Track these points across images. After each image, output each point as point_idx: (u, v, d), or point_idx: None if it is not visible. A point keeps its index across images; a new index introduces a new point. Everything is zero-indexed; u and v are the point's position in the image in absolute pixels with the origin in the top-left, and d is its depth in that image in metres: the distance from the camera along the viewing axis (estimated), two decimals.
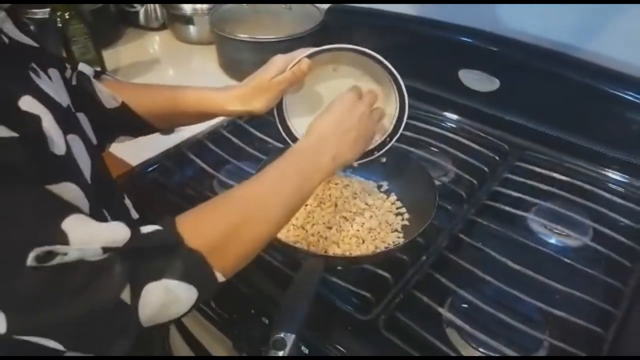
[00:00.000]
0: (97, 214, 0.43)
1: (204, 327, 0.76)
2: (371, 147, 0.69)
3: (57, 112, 0.41)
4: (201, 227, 0.45)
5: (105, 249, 0.38)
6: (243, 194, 0.50)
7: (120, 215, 0.52)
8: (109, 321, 0.38)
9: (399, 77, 0.67)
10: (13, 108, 0.37)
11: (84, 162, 0.45)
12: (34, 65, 0.45)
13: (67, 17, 1.06)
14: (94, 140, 0.54)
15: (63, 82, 0.51)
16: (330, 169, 0.58)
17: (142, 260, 0.40)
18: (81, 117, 0.53)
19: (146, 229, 0.42)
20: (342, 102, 0.63)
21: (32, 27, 1.17)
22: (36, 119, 0.38)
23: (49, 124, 0.39)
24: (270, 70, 0.67)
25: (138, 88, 0.70)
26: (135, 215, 0.59)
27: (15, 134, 0.35)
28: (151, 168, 0.90)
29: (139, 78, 1.18)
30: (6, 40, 0.44)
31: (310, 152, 0.57)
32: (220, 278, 0.44)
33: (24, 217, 0.35)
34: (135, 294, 0.39)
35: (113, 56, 1.28)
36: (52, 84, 0.46)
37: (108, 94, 0.64)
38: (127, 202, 0.58)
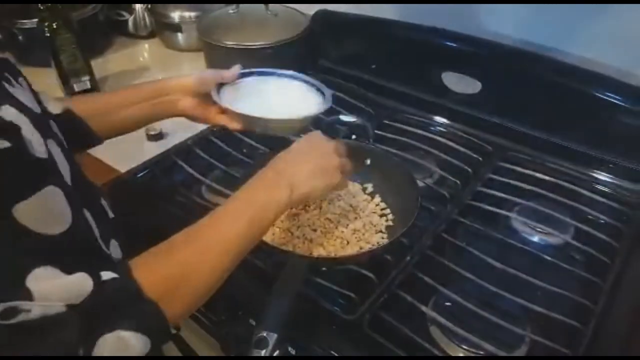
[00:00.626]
0: (78, 216, 0.44)
1: (192, 329, 0.77)
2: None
3: (34, 119, 0.42)
4: (154, 273, 0.45)
5: (67, 306, 0.38)
6: (196, 241, 0.50)
7: (99, 215, 0.54)
8: None
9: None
10: None
11: (63, 166, 0.46)
12: (7, 74, 0.45)
13: (54, 26, 1.07)
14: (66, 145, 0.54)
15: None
16: (286, 201, 0.56)
17: (100, 312, 0.40)
18: (52, 123, 0.53)
19: (105, 275, 0.42)
20: (307, 138, 0.64)
21: (20, 37, 1.18)
22: (16, 128, 0.39)
23: (29, 130, 0.40)
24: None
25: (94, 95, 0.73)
26: (111, 215, 0.61)
27: (8, 144, 0.37)
28: (140, 174, 0.91)
29: None
30: None
31: (264, 185, 0.57)
32: (172, 329, 0.45)
33: None
34: (89, 346, 0.39)
35: (102, 65, 1.29)
36: (25, 92, 0.46)
37: (52, 99, 0.64)
38: (104, 202, 0.60)
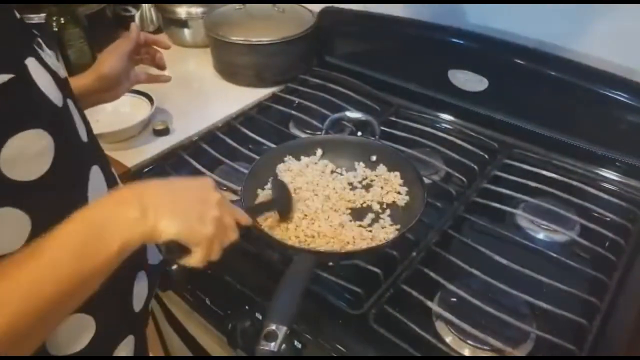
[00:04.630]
0: (83, 170, 0.50)
1: (200, 323, 0.78)
2: None
3: (57, 79, 0.47)
4: None
5: None
6: (8, 271, 0.39)
7: (110, 178, 0.58)
8: None
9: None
10: (21, 64, 0.43)
11: (80, 124, 0.51)
12: (40, 41, 0.50)
13: (62, 21, 1.07)
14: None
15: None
16: (133, 225, 0.43)
17: None
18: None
19: None
20: (193, 178, 0.54)
21: None
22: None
23: (48, 82, 0.44)
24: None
25: None
26: (121, 184, 0.63)
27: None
28: (147, 169, 0.92)
29: None
30: (17, 15, 0.49)
31: (111, 202, 0.45)
32: None
33: None
34: None
35: None
36: (53, 60, 0.51)
37: None
38: (113, 170, 0.62)
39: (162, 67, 0.86)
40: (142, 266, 0.63)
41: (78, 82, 0.74)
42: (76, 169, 0.51)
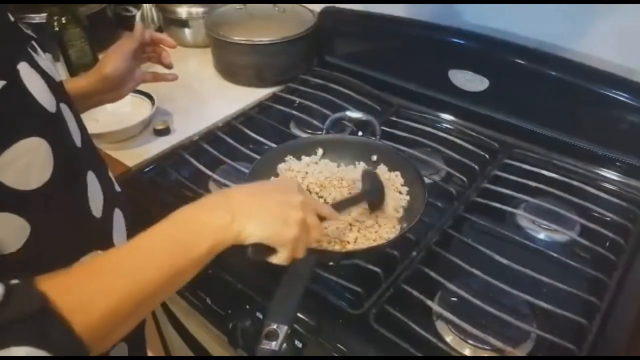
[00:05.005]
0: (80, 176, 0.50)
1: (200, 323, 0.78)
2: None
3: (51, 83, 0.46)
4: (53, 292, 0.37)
5: None
6: (103, 266, 0.42)
7: (106, 183, 0.57)
8: None
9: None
10: (13, 69, 0.42)
11: (74, 129, 0.51)
12: (33, 43, 0.49)
13: (63, 21, 1.07)
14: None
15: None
16: (223, 229, 0.47)
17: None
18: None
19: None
20: (279, 179, 0.60)
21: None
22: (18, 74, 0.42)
23: (41, 88, 0.44)
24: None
25: None
26: (118, 188, 0.62)
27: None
28: (148, 169, 0.92)
29: None
30: (12, 18, 0.49)
31: (202, 207, 0.49)
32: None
33: None
34: None
35: None
36: (47, 62, 0.50)
37: None
38: (111, 174, 0.61)
39: (168, 66, 0.85)
40: None
41: (80, 83, 0.73)
42: (74, 176, 0.50)
